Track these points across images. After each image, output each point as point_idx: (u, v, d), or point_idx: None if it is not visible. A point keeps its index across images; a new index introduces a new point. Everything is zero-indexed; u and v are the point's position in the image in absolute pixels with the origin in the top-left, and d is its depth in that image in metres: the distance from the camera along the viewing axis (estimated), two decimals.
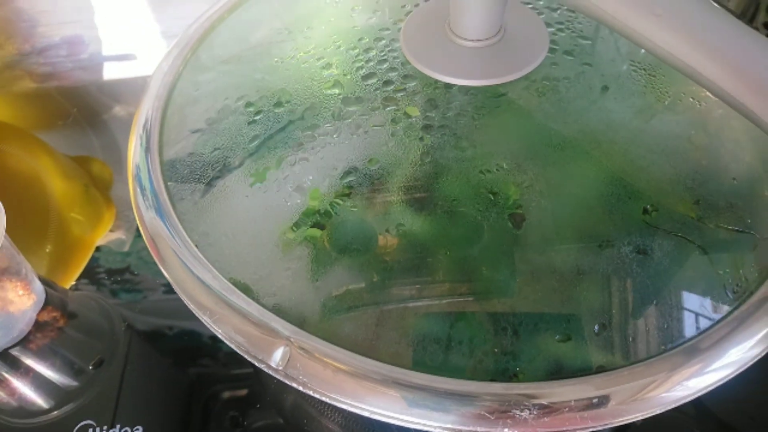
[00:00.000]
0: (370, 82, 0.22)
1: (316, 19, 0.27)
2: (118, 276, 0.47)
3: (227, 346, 0.18)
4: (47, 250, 0.37)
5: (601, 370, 0.17)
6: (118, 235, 0.47)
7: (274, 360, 0.16)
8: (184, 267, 0.19)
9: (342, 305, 0.19)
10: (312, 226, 0.21)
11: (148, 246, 0.21)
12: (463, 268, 0.20)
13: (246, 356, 0.17)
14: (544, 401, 0.16)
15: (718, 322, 0.18)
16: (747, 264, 0.20)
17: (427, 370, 0.17)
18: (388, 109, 0.22)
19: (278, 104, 0.23)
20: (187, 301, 0.18)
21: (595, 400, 0.16)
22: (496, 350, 0.18)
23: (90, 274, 0.47)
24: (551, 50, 0.23)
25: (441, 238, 0.20)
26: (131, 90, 0.51)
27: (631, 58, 0.23)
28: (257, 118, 0.23)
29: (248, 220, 0.21)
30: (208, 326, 0.18)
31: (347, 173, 0.21)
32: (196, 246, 0.20)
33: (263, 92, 0.24)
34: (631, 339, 0.18)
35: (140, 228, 0.22)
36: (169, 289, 0.41)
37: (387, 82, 0.22)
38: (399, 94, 0.22)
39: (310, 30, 0.26)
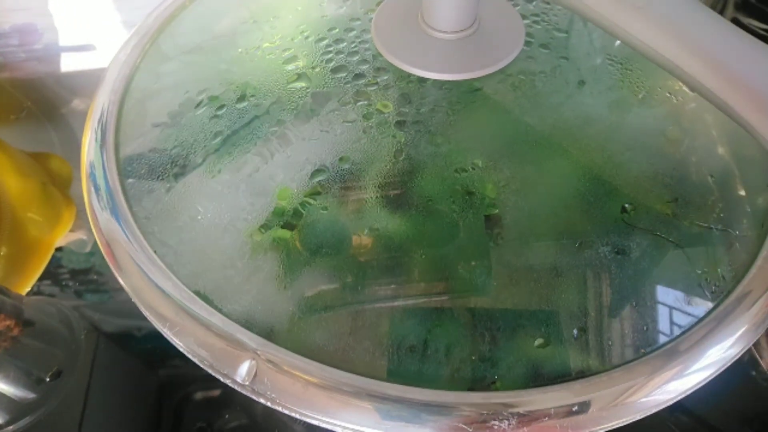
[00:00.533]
0: (340, 75, 0.21)
1: (283, 7, 0.25)
2: (82, 277, 0.45)
3: None
4: (1, 253, 0.35)
5: (580, 375, 0.17)
6: (79, 235, 0.45)
7: (240, 375, 0.15)
8: (141, 273, 0.18)
9: (312, 312, 0.18)
10: (281, 227, 0.20)
11: (102, 250, 0.20)
12: (439, 270, 0.19)
13: (210, 371, 0.16)
14: (522, 410, 0.16)
15: (697, 323, 0.18)
16: (724, 262, 0.19)
17: (402, 380, 0.16)
18: (360, 104, 0.21)
19: (243, 98, 0.22)
20: (144, 311, 0.17)
21: (575, 408, 0.16)
22: (473, 357, 0.17)
23: (52, 275, 0.45)
24: (527, 43, 0.22)
25: (416, 239, 0.19)
26: (91, 82, 0.49)
27: (607, 52, 0.23)
28: (221, 112, 0.22)
29: (211, 221, 0.20)
30: (168, 338, 0.17)
31: (317, 171, 0.20)
32: (155, 251, 0.19)
33: (227, 85, 0.23)
34: (610, 342, 0.17)
35: (94, 231, 0.21)
36: None
37: (358, 76, 0.21)
38: (371, 89, 0.21)
39: (276, 19, 0.24)
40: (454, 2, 0.20)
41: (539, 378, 0.17)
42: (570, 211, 0.20)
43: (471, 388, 0.16)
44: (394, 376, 0.16)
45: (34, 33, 0.44)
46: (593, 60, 0.22)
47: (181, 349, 0.16)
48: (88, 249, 0.44)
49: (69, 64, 0.47)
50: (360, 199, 0.20)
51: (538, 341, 0.17)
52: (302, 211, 0.20)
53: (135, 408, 0.34)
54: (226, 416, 0.36)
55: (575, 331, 0.17)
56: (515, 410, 0.16)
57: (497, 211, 0.19)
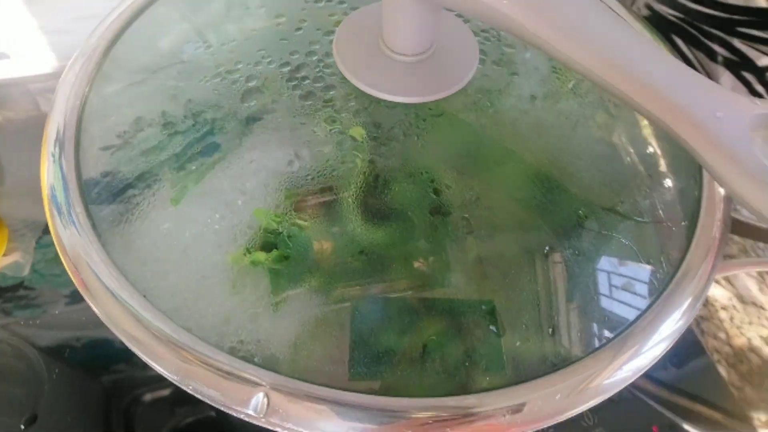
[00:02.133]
0: (308, 102, 0.22)
1: (236, 29, 0.26)
2: (9, 294, 0.43)
3: None
4: None
5: (552, 368, 0.19)
6: (14, 258, 0.43)
7: (254, 409, 0.16)
8: (135, 323, 0.19)
9: (309, 333, 0.19)
10: (263, 249, 0.21)
11: (78, 286, 0.20)
12: (414, 274, 0.21)
13: (221, 407, 0.17)
14: (496, 406, 0.18)
15: (650, 306, 0.21)
16: (664, 251, 0.22)
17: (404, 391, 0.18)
18: (332, 130, 0.22)
19: (206, 122, 0.23)
20: (147, 359, 0.18)
21: (554, 397, 0.18)
22: (466, 360, 0.19)
23: None
24: (481, 60, 0.24)
25: (392, 248, 0.21)
26: (6, 94, 0.46)
27: (552, 64, 0.25)
28: (181, 133, 0.23)
29: (186, 247, 0.21)
30: (174, 382, 0.17)
31: (291, 192, 0.21)
32: (144, 296, 0.19)
33: (187, 109, 0.23)
34: (578, 333, 0.20)
35: (64, 262, 0.21)
36: (72, 300, 0.39)
37: (327, 102, 0.22)
38: (342, 115, 0.22)
39: (233, 43, 0.25)
40: (414, 28, 0.22)
41: (518, 373, 0.19)
42: (531, 220, 0.22)
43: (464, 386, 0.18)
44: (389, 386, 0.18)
45: None
46: (542, 73, 0.25)
47: (190, 391, 0.17)
48: (26, 271, 0.43)
49: None
50: (337, 216, 0.21)
51: (516, 339, 0.20)
52: (282, 230, 0.21)
53: (83, 419, 0.34)
54: (178, 414, 0.36)
55: (549, 329, 0.20)
56: (503, 405, 0.18)
57: (465, 220, 0.21)
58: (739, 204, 0.16)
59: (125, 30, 0.26)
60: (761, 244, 0.41)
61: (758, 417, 0.39)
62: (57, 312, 0.40)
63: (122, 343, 0.19)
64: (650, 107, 0.16)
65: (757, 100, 0.17)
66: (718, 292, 0.44)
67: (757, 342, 0.42)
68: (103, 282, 0.20)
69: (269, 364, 0.18)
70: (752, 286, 0.43)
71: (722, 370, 0.43)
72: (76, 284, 0.20)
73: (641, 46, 0.17)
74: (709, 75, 0.55)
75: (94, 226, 0.21)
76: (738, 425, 0.39)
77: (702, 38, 0.57)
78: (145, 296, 0.19)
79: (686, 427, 0.36)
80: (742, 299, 0.43)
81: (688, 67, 0.17)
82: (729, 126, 0.16)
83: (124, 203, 0.22)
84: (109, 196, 0.22)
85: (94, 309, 0.19)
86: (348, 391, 0.17)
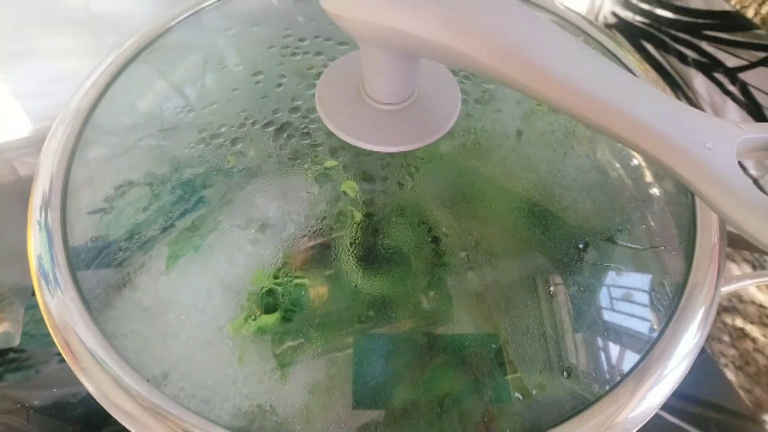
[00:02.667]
0: (296, 161, 0.23)
1: (216, 89, 0.26)
2: (0, 357, 0.43)
3: None
4: None
5: (574, 412, 0.19)
6: (3, 329, 0.42)
7: None
8: (128, 398, 0.18)
9: (320, 402, 0.19)
10: (265, 313, 0.21)
11: (70, 364, 0.20)
12: (422, 325, 0.21)
13: None
14: None
15: (662, 331, 0.21)
16: (668, 275, 0.23)
17: None
18: (323, 186, 0.22)
19: (195, 187, 0.23)
20: None
21: None
22: (485, 413, 0.19)
23: None
24: (463, 101, 0.24)
25: (399, 299, 0.21)
26: None
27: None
28: (169, 199, 0.23)
29: (181, 317, 0.21)
30: None
31: (288, 252, 0.21)
32: (147, 377, 0.19)
33: (174, 174, 0.23)
34: (593, 374, 0.20)
35: (54, 336, 0.21)
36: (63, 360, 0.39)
37: (315, 159, 0.23)
38: (332, 171, 0.22)
39: (214, 106, 0.25)
40: (394, 77, 0.22)
41: (537, 421, 0.19)
42: (530, 255, 0.22)
43: None
44: None
45: None
46: (524, 107, 0.25)
47: None
48: (16, 342, 0.42)
49: None
50: (338, 271, 0.21)
51: (532, 387, 0.20)
52: (284, 291, 0.21)
53: None
54: None
55: (564, 372, 0.20)
56: None
57: (466, 264, 0.21)
58: (735, 230, 0.16)
59: (104, 93, 0.27)
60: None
61: None
62: (50, 370, 0.40)
63: None
64: (640, 143, 0.17)
65: (742, 124, 0.18)
66: None
67: (762, 342, 0.42)
68: (95, 355, 0.20)
69: None
70: (751, 286, 0.44)
71: (730, 374, 0.44)
72: (67, 359, 0.20)
73: (625, 82, 0.17)
74: (682, 78, 0.57)
75: (82, 296, 0.21)
76: (751, 427, 0.40)
77: (671, 42, 0.59)
78: (148, 380, 0.19)
79: None
80: (741, 299, 0.44)
81: (674, 99, 0.17)
82: (719, 156, 0.16)
83: (114, 270, 0.22)
84: (98, 263, 0.22)
85: (86, 386, 0.19)
86: None
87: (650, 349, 0.21)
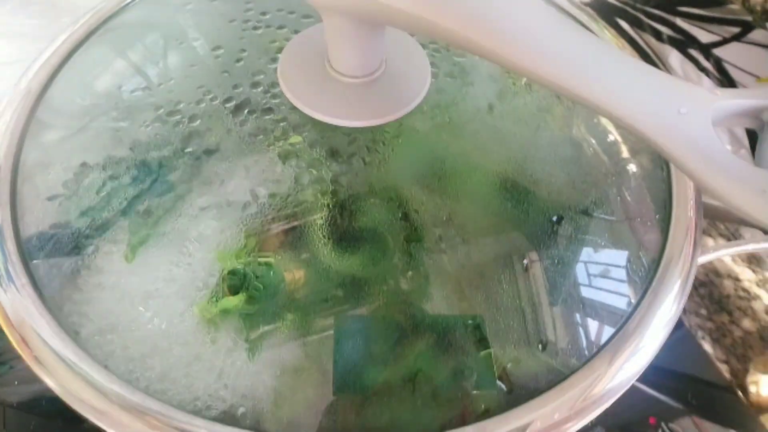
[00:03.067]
0: (258, 137, 0.22)
1: (174, 65, 0.25)
2: None
3: None
4: None
5: (551, 384, 0.19)
6: None
7: None
8: (93, 392, 0.18)
9: (291, 385, 0.19)
10: (232, 294, 0.20)
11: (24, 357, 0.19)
12: (394, 303, 0.21)
13: None
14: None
15: (638, 303, 0.21)
16: (644, 248, 0.23)
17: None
18: (286, 162, 0.21)
19: (152, 167, 0.22)
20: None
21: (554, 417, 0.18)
22: (463, 385, 0.19)
23: None
24: (433, 74, 0.24)
25: (370, 277, 0.21)
26: None
27: (505, 70, 0.25)
28: (126, 179, 0.22)
29: (144, 302, 0.20)
30: None
31: (251, 231, 0.21)
32: (105, 366, 0.18)
33: (133, 154, 0.22)
34: (570, 346, 0.20)
35: (8, 333, 0.20)
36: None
37: (278, 135, 0.22)
38: (298, 146, 0.22)
39: (171, 82, 0.24)
40: (361, 49, 0.22)
41: (515, 395, 0.19)
42: (503, 229, 0.22)
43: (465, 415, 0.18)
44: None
45: None
46: (495, 80, 0.25)
47: None
48: None
49: None
50: (304, 248, 0.21)
51: (508, 359, 0.20)
52: (248, 271, 0.20)
53: None
54: None
55: (538, 345, 0.20)
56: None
57: (438, 234, 0.21)
58: (709, 196, 0.16)
59: (57, 73, 0.25)
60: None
61: (751, 384, 0.40)
62: (24, 365, 0.39)
63: None
64: (613, 110, 0.16)
65: (717, 90, 0.18)
66: None
67: (738, 314, 0.43)
68: (54, 349, 0.19)
69: (249, 422, 0.17)
70: (727, 259, 0.45)
71: (707, 347, 0.44)
72: (23, 355, 0.19)
73: (597, 49, 0.17)
74: (657, 55, 0.57)
75: (38, 289, 0.20)
76: (728, 397, 0.40)
77: (645, 19, 0.59)
78: (106, 366, 0.18)
79: (677, 405, 0.37)
80: (718, 273, 0.44)
81: (647, 65, 0.17)
82: (693, 121, 0.16)
83: (73, 259, 0.21)
84: (55, 251, 0.21)
85: (46, 381, 0.19)
86: None
87: (626, 320, 0.20)
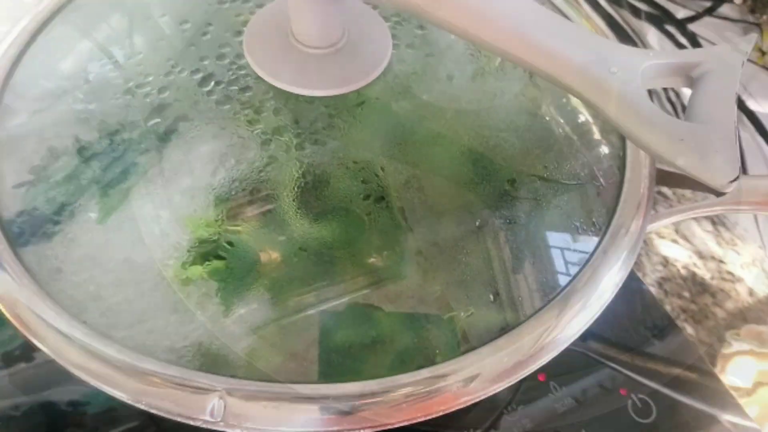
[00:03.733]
0: (226, 107, 0.24)
1: (141, 41, 0.27)
2: None
3: (93, 408, 0.19)
4: None
5: (502, 332, 0.21)
6: None
7: (210, 414, 0.18)
8: (79, 351, 0.20)
9: (258, 332, 0.21)
10: (204, 258, 0.22)
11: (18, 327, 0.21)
12: (359, 265, 0.23)
13: (178, 419, 0.18)
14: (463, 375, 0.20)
15: (585, 263, 0.24)
16: (595, 209, 0.25)
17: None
18: (253, 131, 0.23)
19: (120, 141, 0.24)
20: (99, 384, 0.19)
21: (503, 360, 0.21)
22: (414, 340, 0.21)
23: None
24: (394, 46, 0.26)
25: (335, 241, 0.23)
26: None
27: (464, 42, 0.28)
28: (96, 156, 0.24)
29: (123, 269, 0.22)
30: (124, 401, 0.19)
31: (220, 198, 0.22)
32: (85, 321, 0.20)
33: (97, 130, 0.24)
34: (520, 298, 0.23)
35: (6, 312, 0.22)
36: (2, 365, 0.39)
37: (244, 103, 0.24)
38: (262, 115, 0.24)
39: (139, 56, 0.26)
40: (321, 19, 0.24)
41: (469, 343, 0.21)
42: (462, 193, 0.24)
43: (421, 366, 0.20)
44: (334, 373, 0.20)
45: None
46: (455, 52, 0.27)
47: (145, 408, 0.19)
48: None
49: None
50: (271, 215, 0.23)
51: (464, 311, 0.22)
52: (218, 238, 0.22)
53: None
54: None
55: (491, 296, 0.22)
56: (458, 376, 0.20)
57: (400, 203, 0.23)
58: (643, 150, 0.18)
59: (22, 56, 0.27)
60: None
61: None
62: None
63: (67, 404, 0.20)
64: (549, 70, 0.19)
65: (650, 52, 0.20)
66: (677, 251, 0.47)
67: (721, 296, 0.46)
68: (43, 318, 0.20)
69: (222, 369, 0.19)
70: (710, 241, 0.47)
71: (689, 329, 0.47)
72: (18, 326, 0.21)
73: (532, 10, 0.19)
74: (635, 32, 0.59)
75: (23, 265, 0.22)
76: (709, 380, 0.43)
77: None
78: (85, 322, 0.20)
79: (653, 385, 0.39)
80: (701, 255, 0.47)
81: (580, 26, 0.19)
82: (623, 79, 0.19)
83: (48, 238, 0.23)
84: (30, 233, 0.23)
85: (38, 345, 0.20)
86: (301, 384, 0.19)
87: (573, 278, 0.23)
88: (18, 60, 0.27)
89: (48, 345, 0.20)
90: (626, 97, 0.18)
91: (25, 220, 0.23)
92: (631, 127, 0.18)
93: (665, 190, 0.49)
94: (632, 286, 0.44)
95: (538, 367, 0.21)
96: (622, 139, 0.27)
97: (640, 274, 0.45)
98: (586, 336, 0.23)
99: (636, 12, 0.61)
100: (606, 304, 0.23)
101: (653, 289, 0.45)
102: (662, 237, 0.48)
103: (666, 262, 0.48)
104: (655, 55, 0.20)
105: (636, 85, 0.19)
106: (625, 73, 0.19)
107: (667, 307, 0.49)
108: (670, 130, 0.18)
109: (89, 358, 0.19)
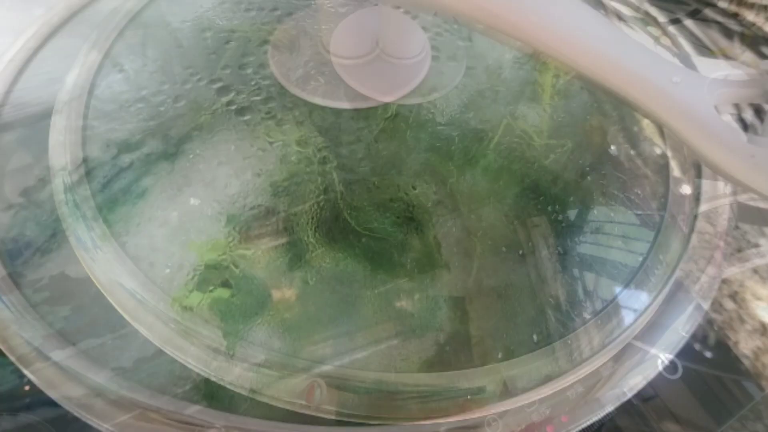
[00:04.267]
0: (245, 117, 0.23)
1: (157, 50, 0.27)
2: None
3: None
4: None
5: (547, 379, 0.19)
6: None
7: None
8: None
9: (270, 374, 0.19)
10: (203, 287, 0.21)
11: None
12: (391, 300, 0.21)
13: None
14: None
15: (648, 306, 0.21)
16: (662, 245, 0.23)
17: None
18: (274, 144, 0.23)
19: (130, 157, 0.23)
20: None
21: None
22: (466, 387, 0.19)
23: None
24: (434, 58, 0.25)
25: (369, 269, 0.21)
26: None
27: (514, 55, 0.26)
28: (104, 172, 0.23)
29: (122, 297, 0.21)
30: None
31: (234, 218, 0.21)
32: (74, 343, 0.19)
33: (109, 143, 0.24)
34: (572, 343, 0.21)
35: None
36: None
37: (266, 115, 0.23)
38: (285, 127, 0.23)
39: (156, 63, 0.26)
40: (358, 29, 0.23)
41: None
42: (510, 221, 0.23)
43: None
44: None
45: None
46: (501, 65, 0.26)
47: None
48: None
49: None
50: (289, 242, 0.22)
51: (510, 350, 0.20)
52: (227, 264, 0.21)
53: None
54: None
55: (534, 337, 0.20)
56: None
57: (439, 222, 0.22)
58: (707, 166, 0.17)
59: (26, 67, 0.27)
60: None
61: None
62: None
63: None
64: (610, 80, 0.17)
65: (722, 61, 0.18)
66: None
67: None
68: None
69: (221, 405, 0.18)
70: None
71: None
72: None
73: (597, 24, 0.18)
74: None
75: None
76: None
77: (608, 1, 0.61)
78: (74, 344, 0.19)
79: None
80: None
81: (641, 43, 0.18)
82: (687, 89, 0.17)
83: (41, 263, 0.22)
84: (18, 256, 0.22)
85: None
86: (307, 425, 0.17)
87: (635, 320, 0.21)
88: (22, 70, 0.27)
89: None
90: (689, 107, 0.17)
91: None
92: (693, 139, 0.17)
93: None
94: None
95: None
96: (698, 167, 0.25)
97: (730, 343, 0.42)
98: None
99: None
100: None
101: (747, 362, 0.41)
102: (759, 299, 0.44)
103: (765, 329, 0.44)
104: (731, 66, 0.18)
105: (701, 96, 0.17)
106: (689, 83, 0.17)
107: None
108: (739, 145, 0.16)
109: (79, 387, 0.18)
